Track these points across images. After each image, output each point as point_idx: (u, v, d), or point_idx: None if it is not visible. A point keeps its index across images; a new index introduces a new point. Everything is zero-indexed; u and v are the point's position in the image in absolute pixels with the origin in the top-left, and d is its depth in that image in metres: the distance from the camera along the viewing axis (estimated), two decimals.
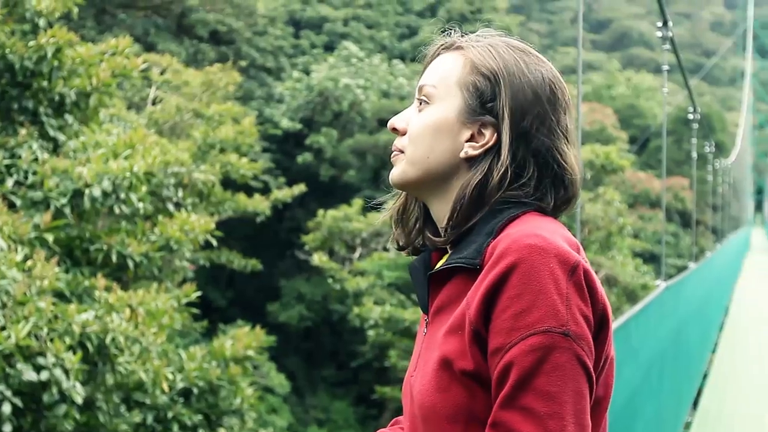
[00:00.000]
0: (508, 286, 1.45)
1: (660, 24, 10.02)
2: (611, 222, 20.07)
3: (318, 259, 20.50)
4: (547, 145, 1.59)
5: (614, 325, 6.45)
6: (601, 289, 1.52)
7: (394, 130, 1.68)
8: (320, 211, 21.91)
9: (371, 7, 33.44)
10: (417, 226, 1.72)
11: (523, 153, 1.58)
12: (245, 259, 20.59)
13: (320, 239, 21.59)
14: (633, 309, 7.57)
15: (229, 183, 18.09)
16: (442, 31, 1.74)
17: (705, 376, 16.00)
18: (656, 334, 9.00)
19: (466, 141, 1.61)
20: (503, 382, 1.44)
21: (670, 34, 10.09)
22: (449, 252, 1.64)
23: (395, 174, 1.66)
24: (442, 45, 1.70)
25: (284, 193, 21.52)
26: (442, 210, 1.64)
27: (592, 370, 1.46)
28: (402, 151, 1.65)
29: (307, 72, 28.88)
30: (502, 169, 1.57)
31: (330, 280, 20.97)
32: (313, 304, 24.72)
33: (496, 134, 1.60)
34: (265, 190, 22.79)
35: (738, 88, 78.99)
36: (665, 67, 11.03)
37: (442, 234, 1.63)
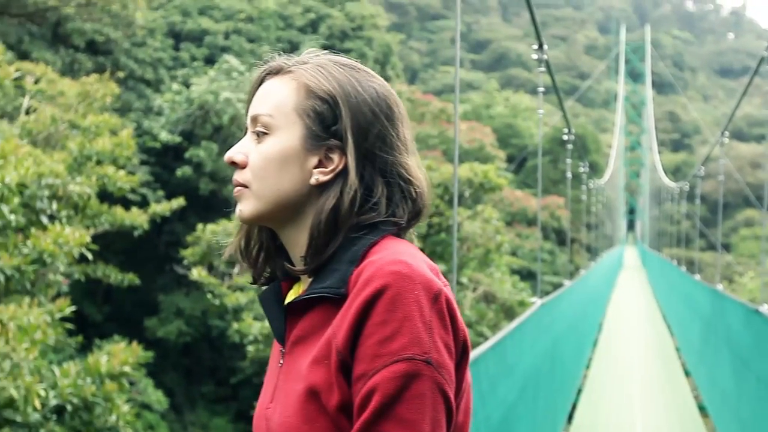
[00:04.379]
0: (373, 312, 1.45)
1: (536, 47, 10.25)
2: (489, 239, 20.33)
3: (197, 273, 20.22)
4: (391, 161, 1.59)
5: (490, 342, 6.55)
6: (461, 318, 1.53)
7: (233, 163, 1.62)
8: (199, 226, 21.66)
9: (252, 21, 33.30)
10: (262, 257, 1.69)
11: (370, 172, 1.57)
12: (122, 273, 20.17)
13: (199, 254, 21.30)
14: (509, 326, 7.69)
15: (106, 196, 17.72)
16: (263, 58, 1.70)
17: (579, 392, 16.37)
18: (532, 351, 9.16)
19: (314, 167, 1.59)
20: (364, 408, 1.44)
21: (545, 56, 10.33)
22: (308, 280, 1.62)
23: (246, 210, 1.61)
24: (266, 70, 1.66)
25: (163, 207, 21.17)
26: (296, 239, 1.61)
27: (452, 398, 1.47)
28: (246, 186, 1.61)
29: (187, 85, 28.56)
30: (353, 192, 1.56)
31: (209, 296, 20.72)
32: (192, 319, 24.41)
33: (343, 157, 1.58)
34: (144, 204, 22.41)
35: (611, 110, 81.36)
36: (541, 89, 11.28)
37: (302, 262, 1.60)
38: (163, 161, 27.18)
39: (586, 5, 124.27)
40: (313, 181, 1.58)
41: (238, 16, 33.30)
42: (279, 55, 1.67)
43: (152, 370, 21.34)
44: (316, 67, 1.62)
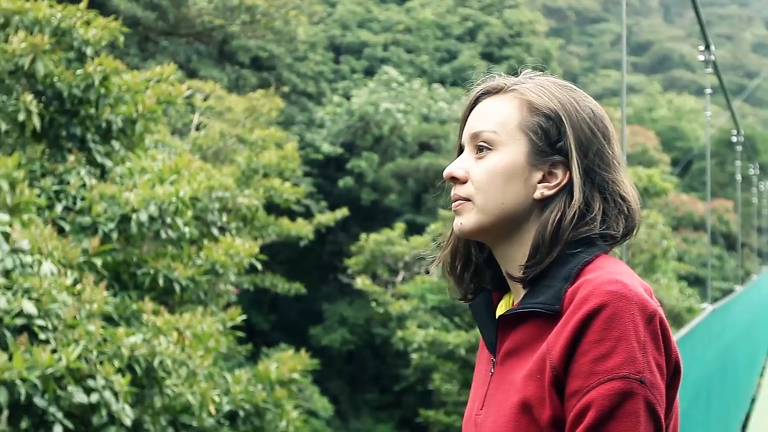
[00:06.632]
0: (590, 330, 1.49)
1: (702, 47, 10.00)
2: (655, 245, 19.92)
3: (361, 282, 20.53)
4: (608, 178, 1.63)
5: None
6: (674, 339, 1.55)
7: (453, 179, 1.68)
8: (363, 235, 21.96)
9: (411, 32, 33.56)
10: (468, 272, 1.75)
11: (589, 188, 1.62)
12: (289, 282, 20.66)
13: (363, 263, 21.62)
14: (679, 333, 7.53)
15: (272, 207, 18.20)
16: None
17: (753, 400, 15.81)
18: (703, 358, 8.93)
19: (538, 182, 1.63)
20: (578, 423, 1.48)
21: (712, 57, 10.07)
22: (520, 293, 1.65)
23: (468, 223, 1.66)
24: (482, 90, 1.71)
25: (327, 217, 21.63)
26: (511, 253, 1.66)
27: (662, 419, 1.49)
28: (468, 200, 1.66)
29: (347, 97, 29.01)
30: (576, 207, 1.60)
31: (373, 304, 20.99)
32: (355, 327, 24.72)
33: (567, 172, 1.63)
34: (307, 214, 22.88)
35: None
36: (708, 91, 11.01)
37: (520, 271, 1.63)
38: (325, 172, 27.66)
39: (753, 2, 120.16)
40: (537, 195, 1.63)
41: (396, 27, 33.62)
42: (498, 76, 1.73)
43: (317, 377, 21.74)
44: (537, 86, 1.67)
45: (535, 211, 1.63)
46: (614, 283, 1.50)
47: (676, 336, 7.26)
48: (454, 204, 1.67)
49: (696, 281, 29.71)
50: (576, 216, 1.60)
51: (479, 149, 1.66)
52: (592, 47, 77.05)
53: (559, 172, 1.63)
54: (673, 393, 1.55)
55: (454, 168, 1.68)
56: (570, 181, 1.62)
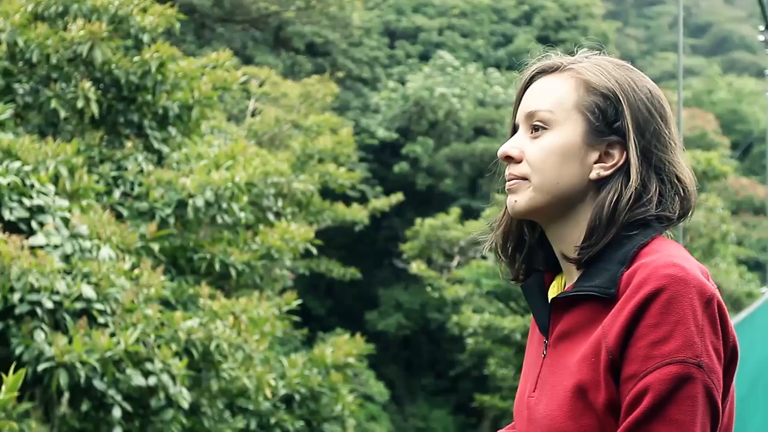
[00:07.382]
0: (647, 314, 1.47)
1: (762, 28, 9.85)
2: (714, 229, 19.67)
3: (416, 267, 20.54)
4: (665, 159, 1.61)
5: None
6: (731, 323, 1.54)
7: (508, 158, 1.66)
8: (418, 220, 21.96)
9: (466, 17, 33.37)
10: (520, 253, 1.74)
11: (646, 169, 1.60)
12: (344, 267, 20.74)
13: (418, 248, 21.63)
14: (738, 317, 7.45)
15: (327, 192, 18.27)
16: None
17: None
18: (763, 343, 8.81)
19: (595, 162, 1.62)
20: (635, 407, 1.47)
21: None
22: (573, 275, 1.64)
23: (521, 202, 1.64)
24: (538, 69, 1.70)
25: (382, 203, 21.66)
26: (564, 233, 1.64)
27: (719, 403, 1.48)
28: (523, 179, 1.64)
29: (402, 82, 28.95)
30: (633, 188, 1.58)
31: (428, 289, 20.99)
32: (411, 312, 24.74)
33: (624, 153, 1.61)
34: (362, 200, 22.92)
35: None
36: None
37: (575, 252, 1.62)
38: (380, 158, 27.66)
39: None
40: (593, 175, 1.62)
41: (451, 11, 33.45)
42: (554, 55, 1.71)
43: (373, 362, 21.79)
44: (595, 65, 1.66)
45: (590, 191, 1.62)
46: (672, 267, 1.49)
47: (735, 320, 7.17)
48: (508, 183, 1.66)
49: (756, 266, 29.28)
50: (633, 197, 1.58)
51: (534, 128, 1.65)
52: (649, 30, 76.04)
53: (616, 153, 1.61)
54: (729, 378, 1.54)
55: (509, 147, 1.67)
56: (626, 162, 1.60)
